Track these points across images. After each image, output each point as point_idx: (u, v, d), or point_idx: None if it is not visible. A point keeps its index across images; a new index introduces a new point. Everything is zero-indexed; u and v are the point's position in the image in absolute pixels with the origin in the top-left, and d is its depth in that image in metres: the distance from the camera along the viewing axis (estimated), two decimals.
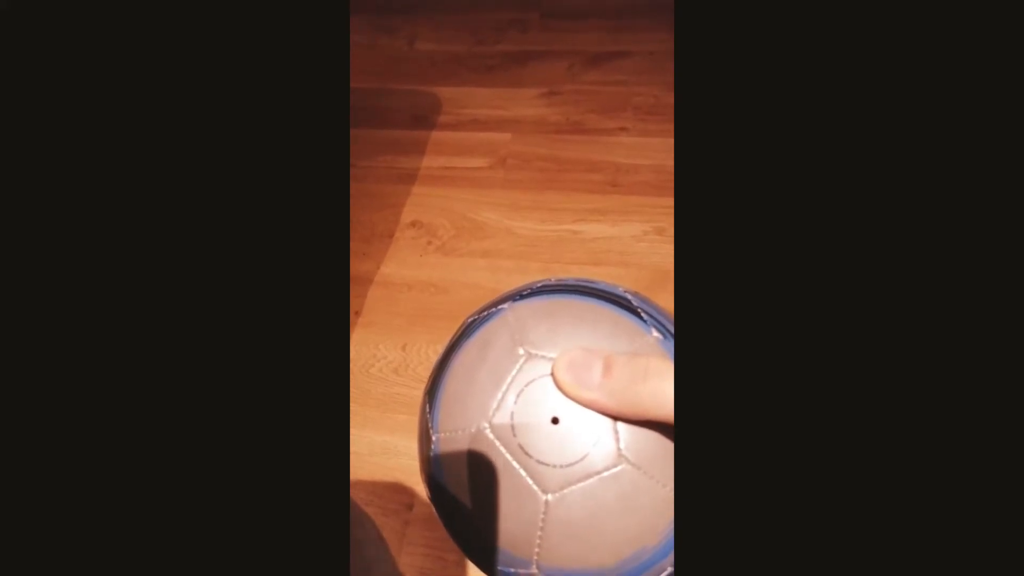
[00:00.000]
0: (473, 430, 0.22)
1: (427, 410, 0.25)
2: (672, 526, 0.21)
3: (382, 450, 0.88)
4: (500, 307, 0.25)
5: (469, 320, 0.26)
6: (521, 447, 0.22)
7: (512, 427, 0.22)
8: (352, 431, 0.90)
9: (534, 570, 0.22)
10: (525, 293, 0.25)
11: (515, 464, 0.22)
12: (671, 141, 1.11)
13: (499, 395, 0.22)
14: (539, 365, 0.22)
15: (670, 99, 1.19)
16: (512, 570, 0.23)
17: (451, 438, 0.23)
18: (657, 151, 1.13)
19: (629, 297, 0.25)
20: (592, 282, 0.26)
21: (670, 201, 1.05)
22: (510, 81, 1.28)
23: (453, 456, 0.23)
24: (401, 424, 0.90)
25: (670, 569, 0.22)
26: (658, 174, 1.10)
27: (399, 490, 0.85)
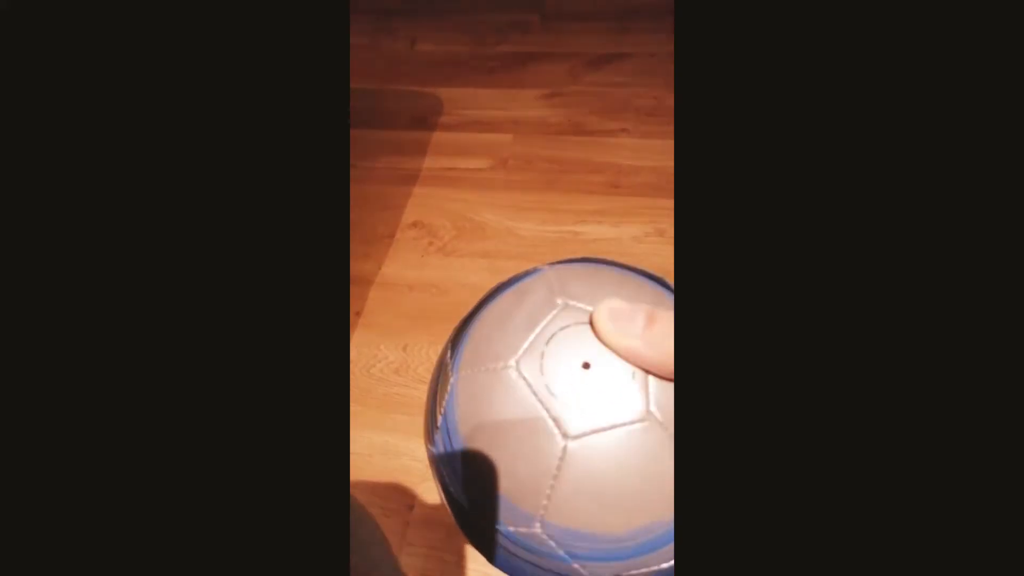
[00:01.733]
0: (499, 366, 0.21)
1: (448, 355, 0.24)
2: None
3: (382, 450, 0.88)
4: (539, 268, 0.25)
5: (508, 278, 0.26)
6: (547, 387, 0.20)
7: (540, 367, 0.21)
8: (353, 432, 0.90)
9: (537, 528, 0.21)
10: (564, 261, 0.25)
11: (537, 403, 0.20)
12: (672, 143, 1.11)
13: (531, 336, 0.21)
14: (576, 314, 0.21)
15: (671, 101, 1.18)
16: (512, 528, 0.21)
17: (472, 375, 0.22)
18: (658, 153, 1.12)
19: (667, 281, 0.24)
20: (631, 266, 0.25)
21: (671, 203, 1.05)
22: (511, 82, 1.28)
23: (471, 394, 0.22)
24: (402, 424, 0.90)
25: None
26: (659, 176, 1.10)
27: (399, 491, 0.85)
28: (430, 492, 0.85)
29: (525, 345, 0.21)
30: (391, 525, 0.83)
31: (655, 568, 0.21)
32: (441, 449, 0.23)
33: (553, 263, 0.25)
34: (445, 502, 0.24)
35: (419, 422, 0.90)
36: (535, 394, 0.20)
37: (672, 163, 1.08)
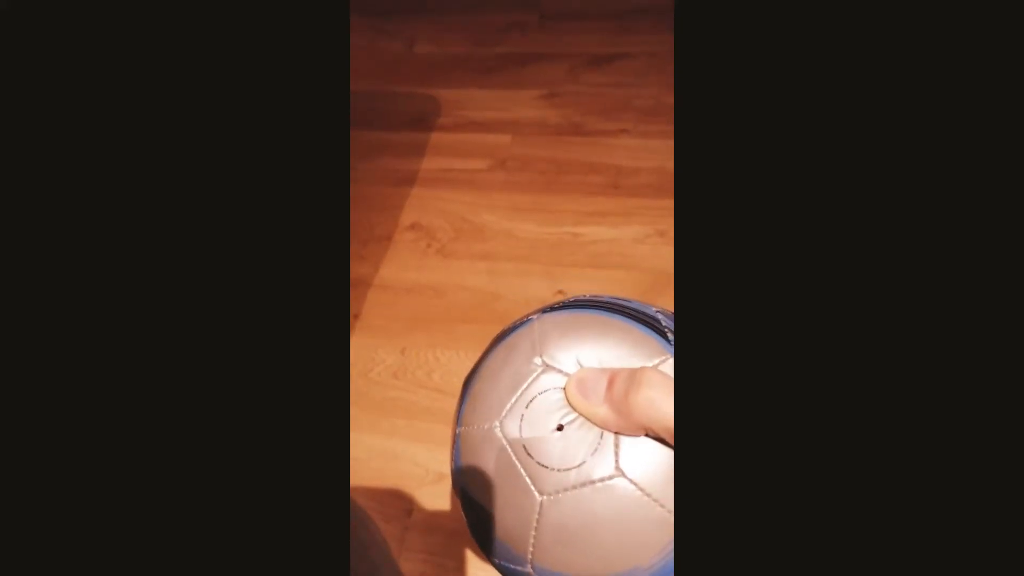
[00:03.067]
0: (486, 427, 0.24)
1: (458, 404, 0.27)
2: (668, 549, 0.22)
3: (380, 455, 0.88)
4: (530, 317, 0.27)
5: (503, 329, 0.28)
6: (525, 448, 0.23)
7: (520, 428, 0.23)
8: (350, 436, 0.89)
9: (528, 568, 0.23)
10: (556, 306, 0.27)
11: (517, 463, 0.23)
12: (672, 143, 1.11)
13: (513, 399, 0.24)
14: (554, 377, 0.24)
15: (671, 101, 1.18)
16: (511, 565, 0.24)
17: (469, 432, 0.25)
18: (658, 153, 1.12)
19: (660, 317, 0.26)
20: (626, 301, 0.27)
21: (671, 203, 1.04)
22: (510, 83, 1.27)
23: (469, 449, 0.25)
24: (400, 429, 0.89)
25: None
26: (659, 176, 1.09)
27: (398, 496, 0.85)
28: (429, 497, 0.84)
29: (508, 407, 0.24)
30: (390, 530, 0.83)
31: None
32: (456, 483, 0.26)
33: (543, 311, 0.27)
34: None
35: (418, 426, 0.89)
36: (515, 454, 0.23)
37: (672, 163, 1.08)
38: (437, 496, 0.84)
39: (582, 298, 0.27)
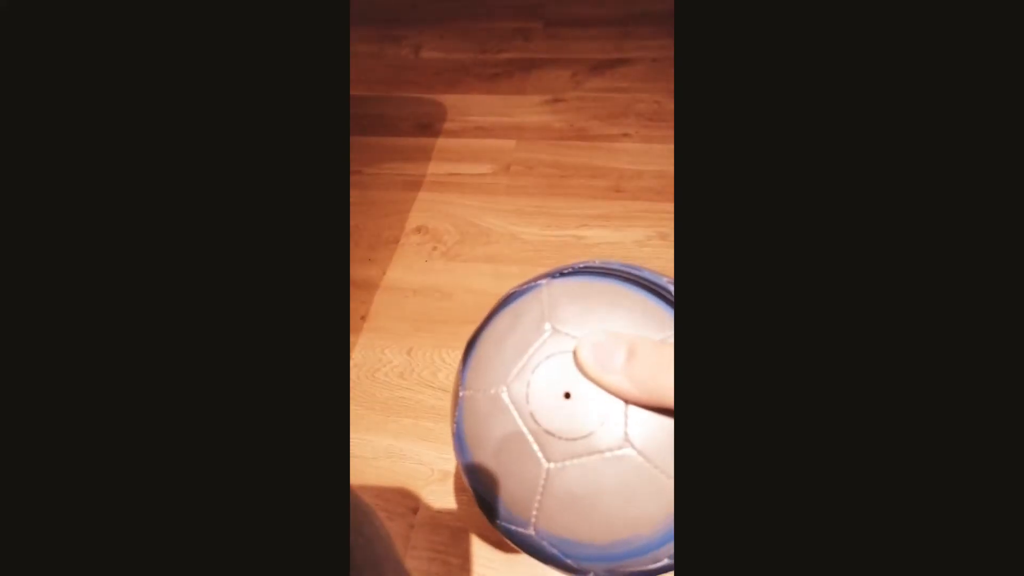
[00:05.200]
0: (492, 392, 0.23)
1: (461, 368, 0.26)
2: (671, 519, 0.21)
3: (387, 454, 0.89)
4: (538, 282, 0.26)
5: (509, 292, 0.27)
6: (532, 414, 0.22)
7: (527, 395, 0.23)
8: (357, 435, 0.91)
9: (531, 531, 0.23)
10: (566, 271, 0.26)
11: (524, 429, 0.22)
12: (673, 147, 1.11)
13: (520, 363, 0.23)
14: (562, 341, 0.23)
15: (672, 106, 1.19)
16: (513, 527, 0.24)
17: (474, 396, 0.24)
18: (659, 157, 1.13)
19: (671, 288, 0.25)
20: (636, 269, 0.26)
21: (672, 206, 1.05)
22: (514, 89, 1.29)
23: (473, 413, 0.24)
24: (406, 428, 0.90)
25: (666, 560, 0.22)
26: (661, 180, 1.10)
27: (404, 494, 0.86)
28: (434, 495, 0.85)
29: (514, 372, 0.23)
30: (395, 528, 0.83)
31: (645, 569, 0.23)
32: (457, 451, 0.25)
33: (552, 275, 0.26)
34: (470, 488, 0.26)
35: (424, 425, 0.90)
36: (522, 420, 0.22)
37: (673, 167, 1.08)
38: (442, 494, 0.85)
39: (593, 264, 0.26)
